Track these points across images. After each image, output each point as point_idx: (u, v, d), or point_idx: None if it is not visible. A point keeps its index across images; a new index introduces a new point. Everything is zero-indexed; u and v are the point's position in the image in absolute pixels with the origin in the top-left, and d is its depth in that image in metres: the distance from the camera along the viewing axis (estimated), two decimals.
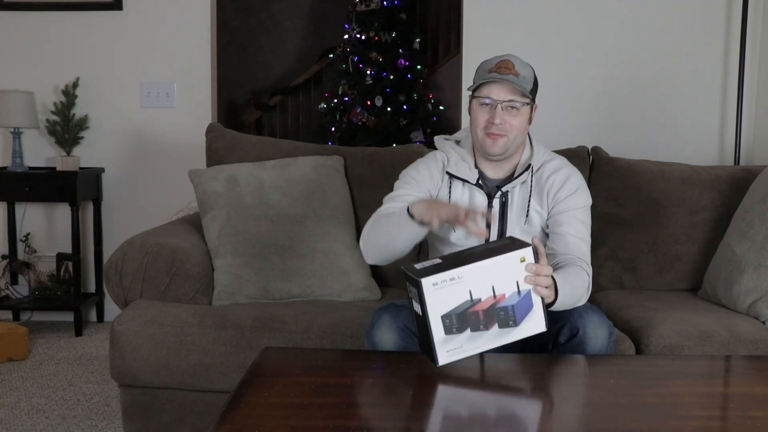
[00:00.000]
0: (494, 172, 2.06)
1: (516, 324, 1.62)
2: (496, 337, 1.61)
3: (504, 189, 2.02)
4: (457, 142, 2.13)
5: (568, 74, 3.53)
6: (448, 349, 1.59)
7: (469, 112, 2.00)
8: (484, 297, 1.59)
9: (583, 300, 1.89)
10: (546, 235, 2.04)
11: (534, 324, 1.63)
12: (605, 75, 3.53)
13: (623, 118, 3.53)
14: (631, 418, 1.43)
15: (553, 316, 1.80)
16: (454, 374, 1.62)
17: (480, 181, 2.04)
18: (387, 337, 1.85)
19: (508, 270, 1.60)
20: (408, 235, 1.88)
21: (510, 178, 2.04)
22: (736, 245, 2.37)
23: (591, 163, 2.77)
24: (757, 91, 3.45)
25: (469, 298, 1.58)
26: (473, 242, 1.98)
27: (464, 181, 2.04)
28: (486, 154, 2.01)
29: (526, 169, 2.03)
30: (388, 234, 1.91)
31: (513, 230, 2.02)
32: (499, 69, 1.92)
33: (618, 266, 2.67)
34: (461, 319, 1.58)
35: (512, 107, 1.93)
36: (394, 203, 2.03)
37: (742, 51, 3.37)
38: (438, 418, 1.49)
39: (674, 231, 2.65)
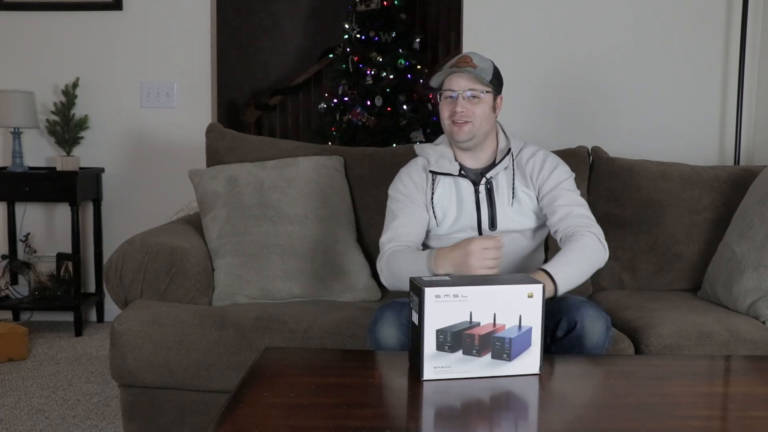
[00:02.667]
0: (473, 162, 2.17)
1: (509, 359, 1.62)
2: (486, 367, 1.61)
3: (488, 176, 2.13)
4: (436, 146, 2.24)
5: (568, 74, 3.53)
6: (436, 366, 1.59)
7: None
8: (484, 322, 1.60)
9: (600, 262, 2.00)
10: (537, 217, 2.14)
11: (528, 364, 1.63)
12: (606, 75, 3.52)
13: (623, 118, 3.53)
14: (631, 418, 1.43)
15: (550, 309, 1.86)
16: None
17: (462, 172, 2.14)
18: (390, 333, 1.86)
19: (513, 301, 1.61)
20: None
21: (491, 167, 2.15)
22: (736, 245, 2.37)
23: (591, 163, 2.77)
24: (757, 91, 3.45)
25: (468, 318, 1.59)
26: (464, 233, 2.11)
27: (447, 174, 2.14)
28: (455, 143, 2.13)
29: (507, 154, 2.14)
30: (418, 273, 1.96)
31: (503, 213, 2.12)
32: (458, 64, 2.07)
33: (618, 266, 2.67)
34: (455, 339, 1.59)
35: (474, 96, 2.06)
36: (397, 238, 2.09)
37: (742, 51, 3.37)
38: (437, 417, 1.49)
39: (674, 231, 2.65)
